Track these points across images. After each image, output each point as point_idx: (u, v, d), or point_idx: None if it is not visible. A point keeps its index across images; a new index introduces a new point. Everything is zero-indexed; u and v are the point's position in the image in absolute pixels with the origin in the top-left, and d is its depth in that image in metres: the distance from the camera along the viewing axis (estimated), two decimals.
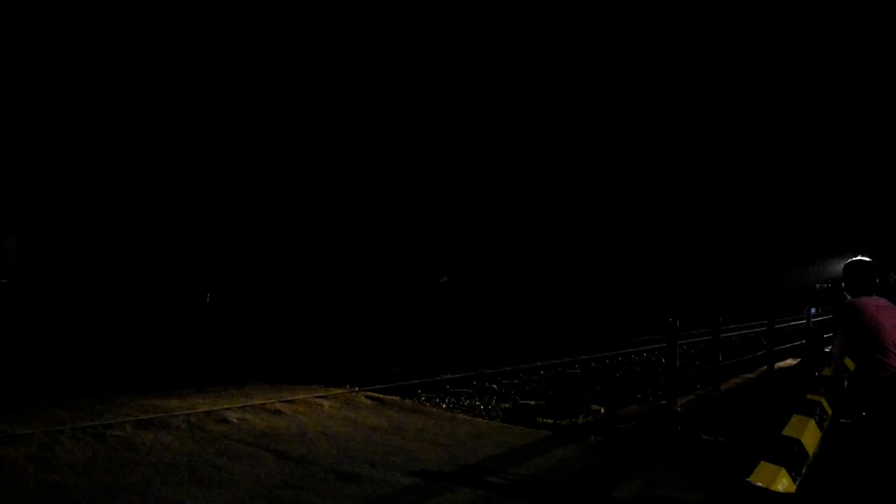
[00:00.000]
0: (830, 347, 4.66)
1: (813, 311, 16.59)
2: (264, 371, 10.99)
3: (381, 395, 9.10)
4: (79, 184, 13.67)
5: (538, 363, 14.14)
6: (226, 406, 7.74)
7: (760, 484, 2.77)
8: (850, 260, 4.50)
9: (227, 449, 5.98)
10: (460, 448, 6.38)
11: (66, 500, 4.56)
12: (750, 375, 12.80)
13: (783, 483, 2.87)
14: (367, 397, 8.86)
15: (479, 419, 8.25)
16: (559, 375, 9.38)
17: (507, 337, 19.28)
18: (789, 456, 3.10)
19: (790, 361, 15.07)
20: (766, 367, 13.27)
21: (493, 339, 18.52)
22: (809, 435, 3.54)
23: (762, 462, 2.95)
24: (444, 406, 9.45)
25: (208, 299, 13.47)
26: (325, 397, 8.58)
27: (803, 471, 3.10)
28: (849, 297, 4.58)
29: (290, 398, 8.36)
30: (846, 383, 4.49)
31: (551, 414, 8.06)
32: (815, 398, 4.30)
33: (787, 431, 3.51)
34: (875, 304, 4.36)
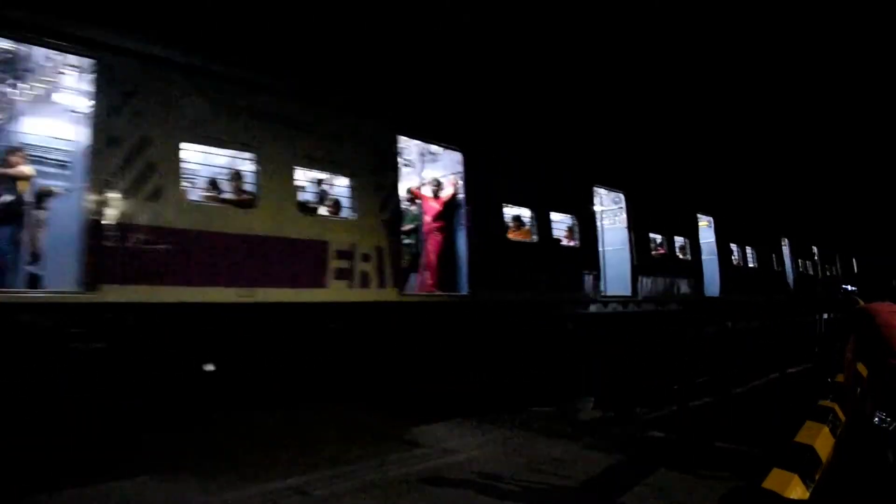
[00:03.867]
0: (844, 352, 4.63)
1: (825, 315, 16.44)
2: None
3: None
4: None
5: None
6: None
7: (774, 489, 2.76)
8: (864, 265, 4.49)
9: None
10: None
11: None
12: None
13: (796, 490, 2.86)
14: None
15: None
16: None
17: None
18: (802, 462, 3.09)
19: None
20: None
21: None
22: (822, 441, 3.52)
23: (775, 468, 2.94)
24: None
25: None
26: None
27: (816, 477, 3.09)
28: (861, 303, 4.55)
29: None
30: (859, 389, 4.46)
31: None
32: (828, 404, 4.27)
33: (800, 438, 3.49)
34: (888, 308, 4.32)
